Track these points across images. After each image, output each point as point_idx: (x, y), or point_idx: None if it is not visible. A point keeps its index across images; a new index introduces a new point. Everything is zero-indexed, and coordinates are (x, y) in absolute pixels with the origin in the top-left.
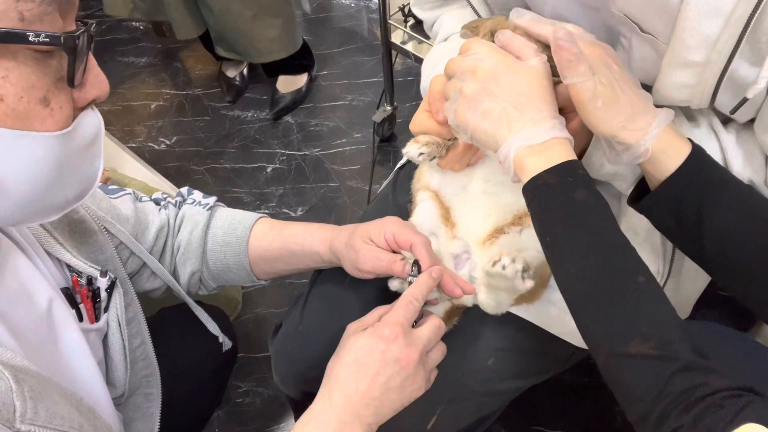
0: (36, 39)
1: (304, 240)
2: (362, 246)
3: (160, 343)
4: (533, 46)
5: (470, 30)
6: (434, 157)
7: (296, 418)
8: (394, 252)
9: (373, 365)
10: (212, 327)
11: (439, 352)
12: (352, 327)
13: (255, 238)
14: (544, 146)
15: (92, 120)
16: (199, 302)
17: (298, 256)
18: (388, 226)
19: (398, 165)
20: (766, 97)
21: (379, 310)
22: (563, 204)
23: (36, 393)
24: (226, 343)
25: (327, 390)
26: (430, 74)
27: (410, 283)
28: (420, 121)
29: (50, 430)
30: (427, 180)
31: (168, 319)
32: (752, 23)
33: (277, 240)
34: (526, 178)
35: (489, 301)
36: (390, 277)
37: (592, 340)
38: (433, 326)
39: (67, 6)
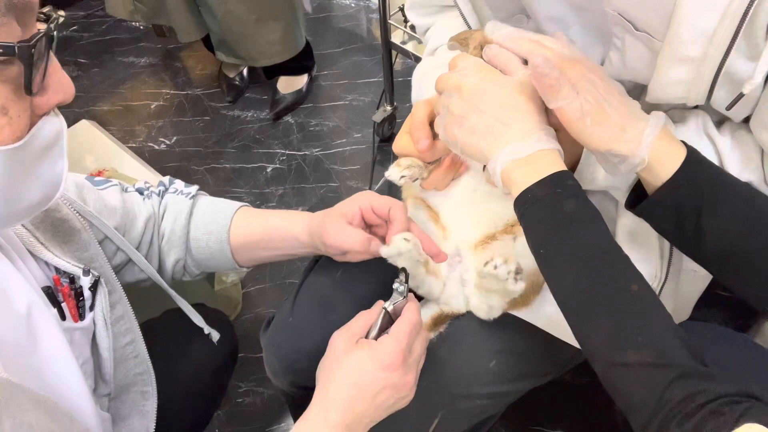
0: None
1: (282, 225)
2: (333, 223)
3: (160, 343)
4: (519, 59)
5: (458, 42)
6: (417, 179)
7: (292, 413)
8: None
9: (372, 390)
10: (197, 319)
11: (422, 360)
12: (340, 337)
13: (236, 226)
14: (530, 158)
15: (52, 126)
16: (201, 304)
17: (277, 242)
18: (361, 199)
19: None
20: (762, 93)
21: (364, 315)
22: (553, 216)
23: (2, 403)
24: (213, 335)
25: (323, 407)
26: (418, 88)
27: (395, 289)
28: (402, 144)
29: None
30: (413, 189)
31: (170, 321)
32: (748, 17)
33: (257, 227)
34: (516, 192)
35: (481, 305)
36: (395, 278)
37: (589, 350)
38: (423, 340)
39: (25, 13)
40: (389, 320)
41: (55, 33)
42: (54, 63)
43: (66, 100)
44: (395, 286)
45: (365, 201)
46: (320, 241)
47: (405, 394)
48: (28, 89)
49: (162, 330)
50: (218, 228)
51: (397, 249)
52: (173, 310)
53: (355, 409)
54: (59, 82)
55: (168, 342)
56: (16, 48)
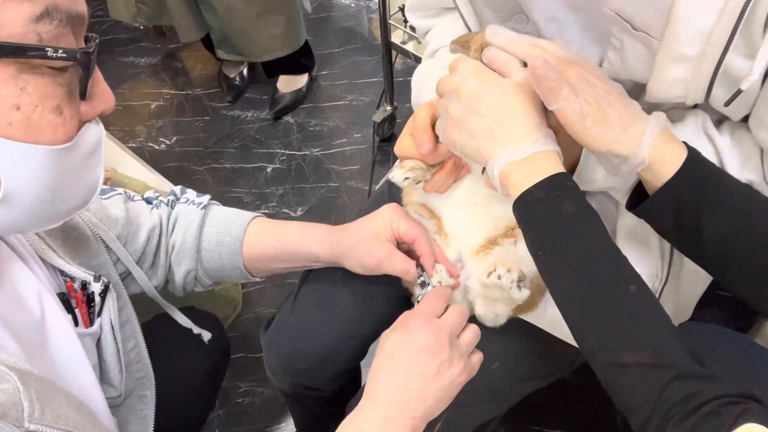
0: (54, 54)
1: (300, 241)
2: (377, 247)
3: (154, 346)
4: (517, 61)
5: (460, 45)
6: (420, 181)
7: (292, 412)
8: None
9: (406, 357)
10: (185, 322)
11: (470, 334)
12: (384, 333)
13: (250, 238)
14: (529, 160)
15: (94, 131)
16: (192, 307)
17: (294, 256)
18: (387, 217)
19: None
20: (760, 92)
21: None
22: (552, 218)
23: (41, 394)
24: (204, 335)
25: (370, 390)
26: (418, 91)
27: (422, 284)
28: (404, 146)
29: (56, 429)
30: (414, 195)
31: (162, 324)
32: (745, 15)
33: (272, 241)
34: (514, 194)
35: (487, 314)
36: (397, 279)
37: (588, 351)
38: (456, 310)
39: (79, 27)
40: None
41: (98, 50)
42: (99, 75)
43: (108, 109)
44: (420, 280)
45: (395, 223)
46: (356, 263)
47: (444, 357)
48: (83, 94)
49: (154, 333)
50: (231, 239)
51: (437, 280)
52: (165, 313)
53: (397, 383)
54: (103, 93)
55: (161, 344)
56: (78, 54)
